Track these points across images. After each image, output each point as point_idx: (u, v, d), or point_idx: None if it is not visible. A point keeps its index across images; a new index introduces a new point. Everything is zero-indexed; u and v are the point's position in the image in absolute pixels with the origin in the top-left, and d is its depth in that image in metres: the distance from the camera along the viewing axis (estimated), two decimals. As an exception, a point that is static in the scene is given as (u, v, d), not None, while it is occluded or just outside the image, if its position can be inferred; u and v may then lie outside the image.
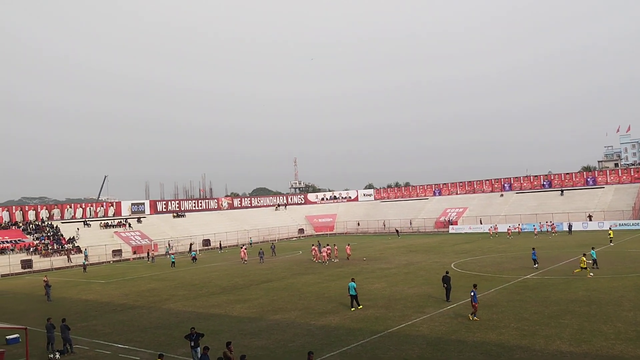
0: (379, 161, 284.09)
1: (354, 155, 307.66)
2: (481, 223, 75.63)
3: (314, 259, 47.87)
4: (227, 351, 15.97)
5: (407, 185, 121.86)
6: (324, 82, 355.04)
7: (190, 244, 71.04)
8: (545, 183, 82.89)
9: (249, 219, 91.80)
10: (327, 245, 49.99)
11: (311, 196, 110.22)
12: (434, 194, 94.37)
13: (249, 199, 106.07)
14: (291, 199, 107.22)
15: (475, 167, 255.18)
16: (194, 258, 57.30)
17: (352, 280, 27.17)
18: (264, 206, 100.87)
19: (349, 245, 51.09)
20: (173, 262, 53.10)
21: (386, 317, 23.64)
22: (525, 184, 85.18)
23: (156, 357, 17.25)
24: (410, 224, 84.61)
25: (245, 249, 54.20)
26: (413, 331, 20.76)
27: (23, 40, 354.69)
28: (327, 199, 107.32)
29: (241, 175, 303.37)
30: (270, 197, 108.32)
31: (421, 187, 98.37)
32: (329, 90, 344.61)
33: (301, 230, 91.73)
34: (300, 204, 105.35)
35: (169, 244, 71.20)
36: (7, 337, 23.99)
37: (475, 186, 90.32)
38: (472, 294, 22.28)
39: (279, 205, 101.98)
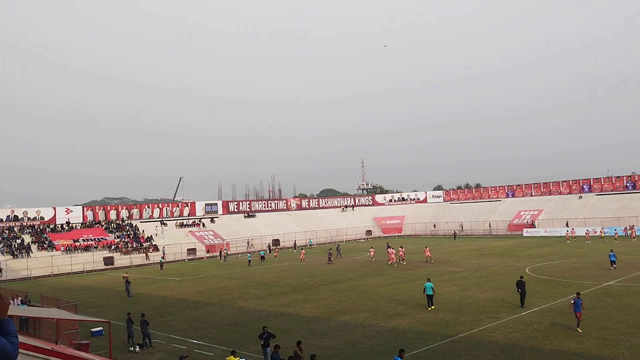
0: (449, 162, 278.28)
1: (423, 156, 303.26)
2: (566, 226, 72.31)
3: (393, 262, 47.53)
4: (298, 350, 16.24)
5: (478, 186, 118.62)
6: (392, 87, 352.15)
7: (269, 245, 72.86)
8: (628, 184, 78.12)
9: (317, 219, 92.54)
10: (388, 247, 49.93)
11: (379, 197, 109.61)
12: (507, 196, 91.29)
13: (316, 200, 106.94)
14: (358, 200, 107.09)
15: (551, 167, 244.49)
16: (262, 257, 58.55)
17: (429, 280, 27.56)
18: (331, 207, 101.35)
19: (426, 247, 49.98)
20: (249, 261, 54.74)
21: (457, 322, 23.16)
22: (606, 186, 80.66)
23: (229, 354, 17.81)
24: (489, 226, 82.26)
25: (304, 250, 55.31)
26: (485, 337, 20.22)
27: (96, 56, 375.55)
28: (395, 200, 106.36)
29: (309, 177, 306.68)
30: (338, 198, 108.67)
31: (493, 188, 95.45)
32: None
33: (369, 232, 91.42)
34: (368, 205, 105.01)
35: (248, 243, 73.43)
36: (92, 329, 25.50)
37: (551, 187, 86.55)
38: (576, 302, 20.41)
39: (346, 207, 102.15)
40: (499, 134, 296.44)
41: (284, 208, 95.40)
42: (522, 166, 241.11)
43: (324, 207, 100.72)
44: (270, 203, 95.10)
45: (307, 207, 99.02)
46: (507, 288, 30.13)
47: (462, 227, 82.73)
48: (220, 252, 65.81)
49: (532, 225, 76.71)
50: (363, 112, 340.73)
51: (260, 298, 32.92)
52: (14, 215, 67.03)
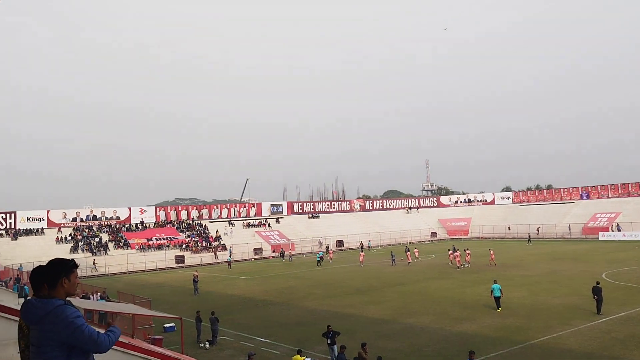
0: (517, 163, 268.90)
1: (490, 157, 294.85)
2: None
3: (454, 264, 46.65)
4: (362, 352, 16.31)
5: (549, 187, 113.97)
6: (461, 82, 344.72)
7: (327, 246, 73.23)
8: None
9: (381, 221, 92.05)
10: (456, 249, 49.01)
11: (444, 199, 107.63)
12: (581, 198, 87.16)
13: (380, 201, 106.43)
14: (423, 201, 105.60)
15: (629, 168, 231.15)
16: (321, 258, 58.80)
17: (495, 282, 27.23)
18: (395, 208, 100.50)
19: (491, 250, 48.77)
20: (319, 261, 55.25)
21: (528, 328, 22.42)
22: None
23: (295, 353, 18.12)
24: (569, 228, 78.99)
25: (363, 252, 54.95)
26: (559, 344, 19.47)
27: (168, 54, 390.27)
28: (461, 202, 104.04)
29: (373, 178, 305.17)
30: (402, 200, 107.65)
31: (565, 189, 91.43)
32: (459, 93, 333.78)
33: (434, 234, 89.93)
34: (433, 207, 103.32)
35: (320, 242, 74.55)
36: (165, 325, 26.59)
37: (630, 189, 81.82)
38: None
39: (410, 208, 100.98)
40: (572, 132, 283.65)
41: (348, 209, 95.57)
42: (597, 166, 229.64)
43: (387, 209, 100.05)
44: (334, 204, 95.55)
45: (370, 208, 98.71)
46: (581, 294, 28.83)
47: (538, 230, 79.60)
48: (282, 252, 66.87)
49: (610, 229, 72.84)
50: (428, 111, 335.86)
51: (325, 298, 33.19)
52: (93, 215, 71.00)
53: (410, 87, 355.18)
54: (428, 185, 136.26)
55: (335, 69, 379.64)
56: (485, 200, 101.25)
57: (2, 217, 64.20)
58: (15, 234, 63.56)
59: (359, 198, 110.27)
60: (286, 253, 66.73)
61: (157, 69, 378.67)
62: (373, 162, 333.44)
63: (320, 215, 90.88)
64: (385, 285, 37.34)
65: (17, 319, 10.40)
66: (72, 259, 3.63)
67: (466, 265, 45.82)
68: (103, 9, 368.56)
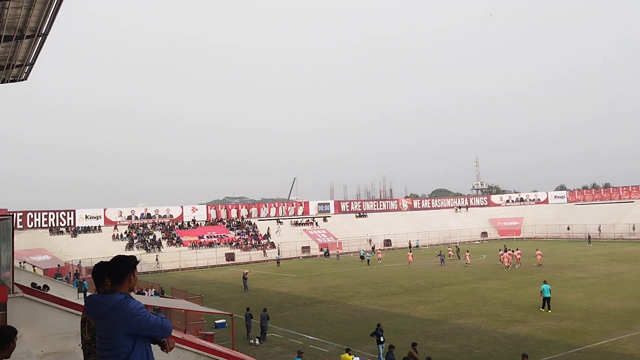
0: (572, 161, 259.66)
1: (543, 154, 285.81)
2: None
3: (503, 264, 45.62)
4: (413, 351, 16.25)
5: (606, 186, 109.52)
6: (512, 73, 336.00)
7: (373, 246, 73.06)
8: None
9: (429, 220, 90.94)
10: (506, 250, 47.95)
11: (495, 198, 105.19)
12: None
13: (428, 200, 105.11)
14: (473, 200, 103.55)
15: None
16: (362, 257, 58.86)
17: (545, 282, 26.84)
18: (444, 208, 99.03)
19: (538, 250, 47.68)
20: (368, 260, 55.17)
21: (584, 331, 21.71)
22: None
23: (343, 351, 18.23)
24: (633, 228, 75.88)
25: (411, 252, 54.24)
26: (618, 349, 18.78)
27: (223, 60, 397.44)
28: (512, 201, 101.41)
29: (420, 177, 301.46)
30: (451, 199, 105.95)
31: (624, 188, 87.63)
32: (511, 87, 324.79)
33: (484, 234, 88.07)
34: (483, 206, 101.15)
35: (370, 241, 74.84)
36: (216, 321, 27.22)
37: (695, 188, 77.66)
38: None
39: (459, 207, 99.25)
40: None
41: (395, 208, 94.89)
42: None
43: (436, 208, 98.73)
44: (382, 203, 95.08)
45: (418, 207, 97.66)
46: (642, 297, 27.66)
47: (600, 229, 76.58)
48: (326, 251, 67.15)
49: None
50: (477, 107, 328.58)
51: (373, 297, 33.13)
52: (147, 213, 73.38)
53: (459, 80, 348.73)
54: (478, 184, 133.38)
55: (380, 65, 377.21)
56: (538, 200, 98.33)
57: (62, 215, 67.24)
58: (74, 231, 66.44)
59: (406, 197, 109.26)
60: (334, 252, 66.96)
61: (207, 77, 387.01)
62: (421, 161, 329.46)
63: (367, 214, 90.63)
64: (434, 286, 36.92)
65: (79, 313, 10.94)
66: (134, 256, 3.85)
67: (517, 266, 44.78)
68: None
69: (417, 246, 74.43)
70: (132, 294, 3.92)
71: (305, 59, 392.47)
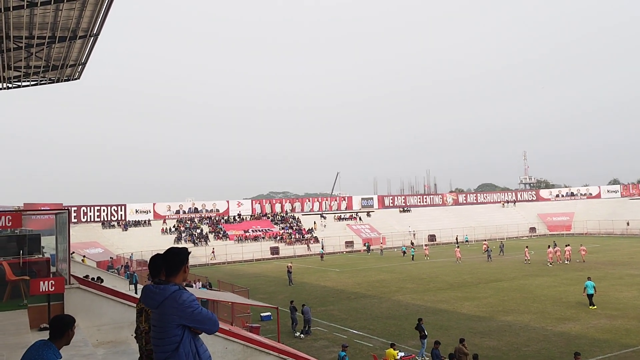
0: (626, 154, 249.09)
1: (595, 147, 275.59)
2: None
3: (549, 262, 44.44)
4: (463, 347, 16.10)
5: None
6: (555, 64, 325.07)
7: (411, 241, 72.40)
8: None
9: (475, 215, 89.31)
10: (556, 246, 46.54)
11: (544, 192, 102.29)
12: (702, 191, 79.33)
13: (474, 194, 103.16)
14: (520, 195, 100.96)
15: None
16: (404, 252, 58.41)
17: (589, 279, 26.50)
18: (490, 202, 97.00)
19: (582, 246, 46.18)
20: (413, 255, 54.77)
21: (639, 330, 20.91)
22: None
23: (388, 346, 18.18)
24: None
25: (458, 247, 53.09)
26: (675, 350, 18.00)
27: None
28: (562, 195, 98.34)
29: (466, 171, 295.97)
30: (497, 193, 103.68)
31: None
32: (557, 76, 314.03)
33: (532, 229, 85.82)
34: (531, 200, 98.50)
35: (413, 235, 74.68)
36: (262, 314, 27.61)
37: None
38: None
39: (506, 202, 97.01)
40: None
41: (440, 203, 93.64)
42: None
43: (482, 203, 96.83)
44: (426, 198, 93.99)
45: (464, 202, 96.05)
46: (702, 296, 26.40)
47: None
48: (368, 246, 66.96)
49: None
50: (526, 99, 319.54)
51: (418, 293, 32.86)
52: (195, 208, 75.08)
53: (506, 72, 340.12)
54: (526, 178, 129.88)
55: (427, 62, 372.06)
56: (590, 194, 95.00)
57: (114, 209, 69.57)
58: (125, 225, 68.67)
59: (451, 192, 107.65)
60: (377, 247, 66.74)
61: (254, 74, 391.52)
62: (466, 155, 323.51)
63: (411, 209, 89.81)
64: (481, 282, 36.29)
65: (131, 304, 11.31)
66: (186, 248, 3.96)
67: (567, 262, 43.54)
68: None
69: (466, 241, 73.23)
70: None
71: (348, 54, 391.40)
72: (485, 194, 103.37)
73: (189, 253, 3.93)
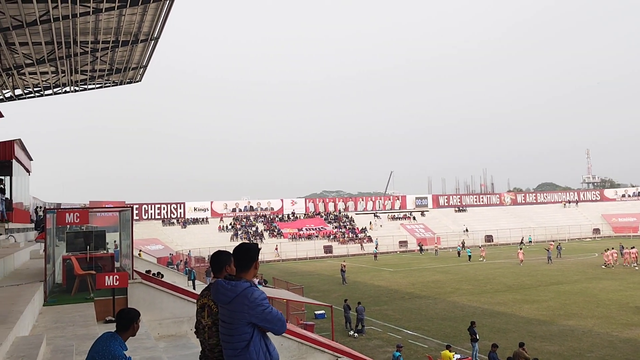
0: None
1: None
2: None
3: (606, 264, 42.45)
4: (523, 351, 15.71)
5: None
6: (618, 61, 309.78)
7: (463, 241, 70.92)
8: None
9: (534, 215, 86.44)
10: (622, 248, 44.35)
11: (608, 192, 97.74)
12: None
13: (533, 194, 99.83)
14: (583, 195, 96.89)
15: None
16: (459, 253, 57.15)
17: None
18: (550, 202, 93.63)
19: (634, 248, 43.76)
20: (469, 256, 53.73)
21: None
22: None
23: (443, 347, 17.89)
24: None
25: (522, 250, 51.00)
26: None
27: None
28: (629, 195, 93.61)
29: (525, 170, 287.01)
30: (558, 193, 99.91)
31: None
32: (621, 73, 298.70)
33: (596, 231, 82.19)
34: (595, 200, 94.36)
35: (466, 231, 73.69)
36: (316, 312, 27.78)
37: None
38: None
39: (568, 202, 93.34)
40: None
41: (497, 203, 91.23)
42: None
43: (542, 203, 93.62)
44: (482, 197, 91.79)
45: (522, 202, 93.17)
46: None
47: None
48: (421, 246, 65.99)
49: None
50: (588, 92, 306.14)
51: (474, 294, 32.15)
52: (250, 206, 76.49)
53: (569, 66, 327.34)
54: (589, 177, 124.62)
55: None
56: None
57: (173, 207, 71.86)
58: (184, 222, 70.76)
59: (509, 191, 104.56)
60: (432, 247, 65.72)
61: (313, 80, 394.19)
62: (525, 153, 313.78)
63: (467, 208, 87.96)
64: (541, 284, 35.10)
65: (190, 299, 11.60)
66: (257, 244, 3.95)
67: (633, 266, 41.48)
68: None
69: (530, 242, 71.04)
70: None
71: (402, 56, 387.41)
72: (545, 194, 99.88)
73: (260, 249, 3.89)
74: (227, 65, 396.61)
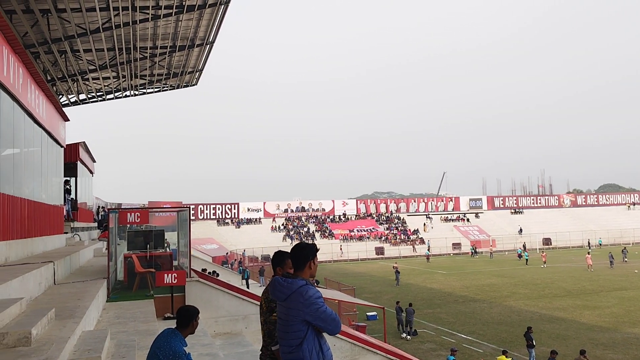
0: None
1: None
2: None
3: None
4: (584, 358, 15.15)
5: None
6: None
7: (524, 244, 68.76)
8: None
9: (596, 218, 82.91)
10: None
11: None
12: None
13: (595, 196, 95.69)
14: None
15: None
16: (520, 256, 55.45)
17: None
18: (613, 204, 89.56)
19: None
20: (527, 260, 52.08)
21: None
22: None
23: (499, 353, 17.45)
24: None
25: (589, 253, 48.62)
26: None
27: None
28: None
29: (585, 171, 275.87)
30: (622, 195, 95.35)
31: None
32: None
33: (664, 234, 78.01)
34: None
35: (520, 231, 72.68)
36: (367, 313, 27.64)
37: None
38: None
39: (633, 204, 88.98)
40: None
41: (556, 205, 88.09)
42: None
43: (604, 205, 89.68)
44: (540, 199, 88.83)
45: (583, 204, 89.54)
46: None
47: None
48: (474, 249, 64.48)
49: None
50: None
51: (531, 299, 31.17)
52: (302, 207, 77.05)
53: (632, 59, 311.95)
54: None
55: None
56: None
57: (228, 207, 73.36)
58: (238, 222, 72.11)
59: (569, 192, 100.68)
60: (486, 249, 64.15)
61: (360, 90, 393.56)
62: (585, 153, 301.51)
63: (523, 210, 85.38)
64: (602, 289, 33.64)
65: (244, 298, 11.81)
66: (315, 244, 4.00)
67: None
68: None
69: (599, 245, 68.27)
70: None
71: (449, 46, 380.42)
72: (607, 195, 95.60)
73: (317, 250, 3.93)
74: (276, 69, 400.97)
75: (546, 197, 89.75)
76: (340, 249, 65.32)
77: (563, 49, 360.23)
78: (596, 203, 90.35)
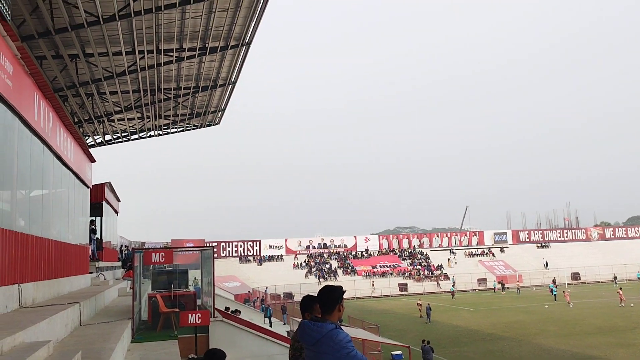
0: None
1: None
2: None
3: None
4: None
5: None
6: None
7: (554, 279, 67.03)
8: None
9: (625, 251, 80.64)
10: None
11: None
12: None
13: (623, 228, 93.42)
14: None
15: None
16: (551, 290, 53.97)
17: None
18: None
19: None
20: (555, 295, 50.61)
21: None
22: None
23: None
24: None
25: (621, 288, 47.08)
26: None
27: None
28: None
29: (613, 203, 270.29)
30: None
31: None
32: None
33: (698, 267, 75.40)
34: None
35: (545, 265, 71.59)
36: (392, 352, 27.04)
37: None
38: None
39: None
40: None
41: (583, 238, 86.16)
42: None
43: (633, 237, 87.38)
44: (566, 232, 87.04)
45: (611, 237, 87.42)
46: None
47: None
48: (502, 284, 63.10)
49: None
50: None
51: (561, 337, 30.18)
52: (323, 243, 76.67)
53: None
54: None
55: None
56: None
57: (250, 244, 73.36)
58: (260, 260, 71.94)
59: (596, 225, 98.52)
60: (513, 285, 62.67)
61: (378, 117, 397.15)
62: (613, 186, 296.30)
63: (550, 244, 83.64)
64: (636, 326, 32.44)
65: (267, 337, 11.70)
66: (341, 286, 3.95)
67: None
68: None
69: (638, 278, 66.55)
70: None
71: (475, 81, 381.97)
72: (636, 228, 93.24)
73: (344, 292, 3.88)
74: (289, 101, 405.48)
75: (573, 231, 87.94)
76: (373, 285, 64.82)
77: (588, 70, 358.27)
78: (625, 236, 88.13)
